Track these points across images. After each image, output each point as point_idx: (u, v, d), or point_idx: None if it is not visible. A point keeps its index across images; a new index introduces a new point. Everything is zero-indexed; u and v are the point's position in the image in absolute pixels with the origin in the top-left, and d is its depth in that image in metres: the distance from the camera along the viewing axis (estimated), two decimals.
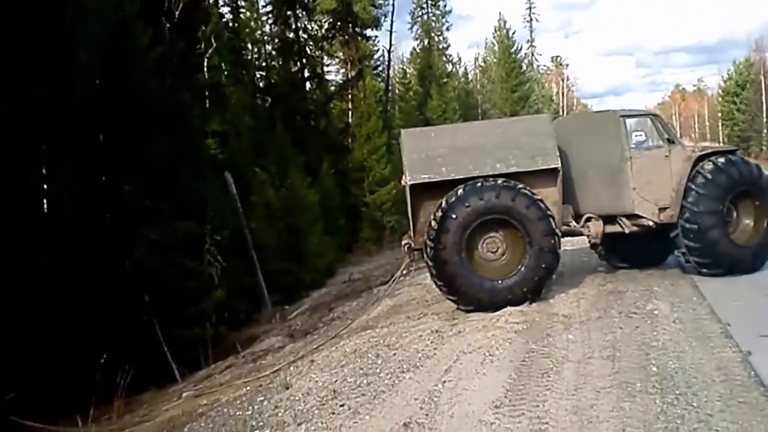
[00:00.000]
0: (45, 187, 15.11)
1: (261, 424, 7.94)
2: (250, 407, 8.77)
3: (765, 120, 64.62)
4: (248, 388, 10.42)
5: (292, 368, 10.63)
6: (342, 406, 7.78)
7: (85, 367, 12.56)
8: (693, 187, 12.06)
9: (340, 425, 7.18)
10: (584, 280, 12.74)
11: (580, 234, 12.51)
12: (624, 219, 12.49)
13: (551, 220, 11.25)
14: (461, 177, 11.33)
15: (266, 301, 23.00)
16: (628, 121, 12.64)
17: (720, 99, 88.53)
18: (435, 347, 9.50)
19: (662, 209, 12.28)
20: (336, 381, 8.81)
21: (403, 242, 12.94)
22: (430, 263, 11.37)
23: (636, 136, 12.51)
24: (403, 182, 11.87)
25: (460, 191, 11.16)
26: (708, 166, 12.18)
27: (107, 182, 16.84)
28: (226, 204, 21.77)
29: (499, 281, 11.24)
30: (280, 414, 8.11)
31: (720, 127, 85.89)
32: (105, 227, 16.26)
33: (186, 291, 17.00)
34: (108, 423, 11.27)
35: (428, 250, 11.26)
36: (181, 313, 16.82)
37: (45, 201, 15.02)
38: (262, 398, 9.04)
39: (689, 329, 9.07)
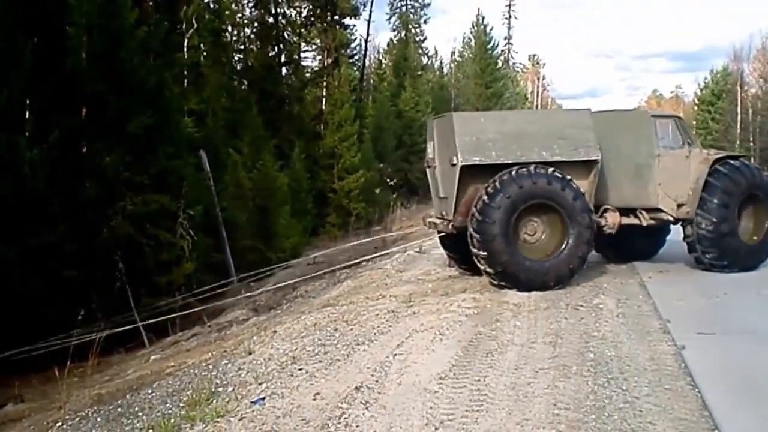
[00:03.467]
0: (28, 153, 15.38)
1: (225, 383, 8.28)
2: (215, 369, 9.13)
3: (738, 131, 65.07)
4: (213, 353, 10.72)
5: (255, 337, 10.97)
6: (300, 370, 8.23)
7: (62, 326, 13.04)
8: (710, 185, 12.82)
9: (298, 385, 7.62)
10: None
11: (598, 224, 12.81)
12: (644, 212, 13.14)
13: (590, 211, 11.96)
14: (509, 162, 11.85)
15: (233, 276, 23.23)
16: (658, 120, 13.31)
17: (696, 107, 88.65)
18: (390, 325, 9.98)
19: (680, 205, 13.01)
20: (296, 349, 9.23)
21: (431, 219, 13.71)
22: (476, 237, 11.70)
23: (663, 135, 13.15)
24: (446, 163, 12.38)
25: (513, 173, 11.66)
26: (725, 167, 12.99)
27: (88, 152, 17.25)
28: (199, 181, 21.92)
29: (537, 262, 11.82)
30: (242, 375, 8.50)
31: (694, 135, 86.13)
32: (84, 195, 16.63)
33: (158, 261, 17.39)
34: (82, 377, 11.68)
35: (475, 225, 11.67)
36: (153, 281, 17.25)
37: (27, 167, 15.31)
38: (226, 362, 9.39)
39: (630, 323, 9.56)
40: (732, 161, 13.29)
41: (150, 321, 16.04)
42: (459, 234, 12.32)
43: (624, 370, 7.50)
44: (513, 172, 11.69)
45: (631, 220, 13.23)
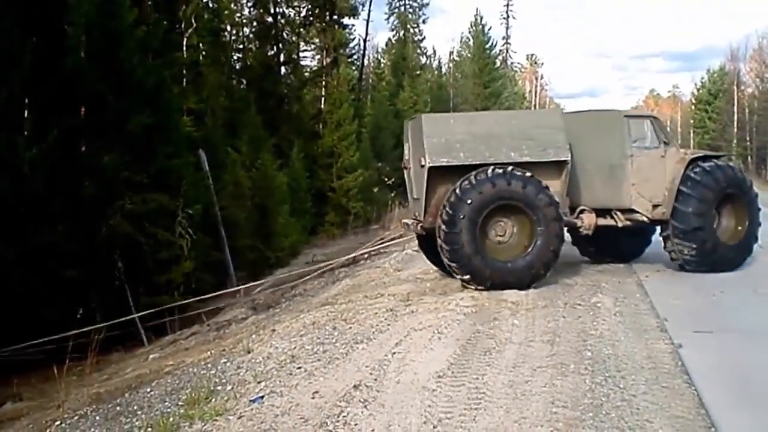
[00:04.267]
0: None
1: (224, 381, 8.28)
2: (214, 368, 9.12)
3: (735, 130, 65.17)
4: (212, 351, 10.71)
5: (254, 336, 10.97)
6: (299, 368, 8.21)
7: (61, 325, 13.04)
8: (686, 185, 12.69)
9: (296, 384, 7.61)
10: None
11: (573, 225, 12.91)
12: (619, 213, 13.02)
13: (559, 208, 11.80)
14: (477, 163, 11.77)
15: (232, 275, 23.20)
16: (631, 121, 13.21)
17: (693, 107, 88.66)
18: (388, 323, 9.97)
19: (656, 206, 12.94)
20: (294, 348, 9.21)
21: (406, 221, 13.62)
22: (443, 245, 11.67)
23: (637, 135, 13.06)
24: (417, 164, 12.32)
25: (480, 174, 11.58)
26: (701, 167, 12.87)
27: (87, 152, 17.26)
28: (198, 180, 21.94)
29: (508, 263, 11.74)
30: (241, 374, 8.49)
31: (692, 134, 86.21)
32: (83, 194, 16.63)
33: (157, 260, 17.39)
34: (81, 376, 11.68)
35: (443, 226, 11.61)
36: (152, 280, 17.25)
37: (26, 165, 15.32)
38: (225, 360, 9.39)
39: (628, 322, 9.59)
40: (709, 162, 13.20)
41: (147, 314, 16.00)
42: (432, 235, 12.23)
43: (621, 369, 7.50)
44: (472, 177, 11.62)
45: (608, 221, 13.13)
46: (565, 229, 12.44)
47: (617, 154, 12.99)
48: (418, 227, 12.68)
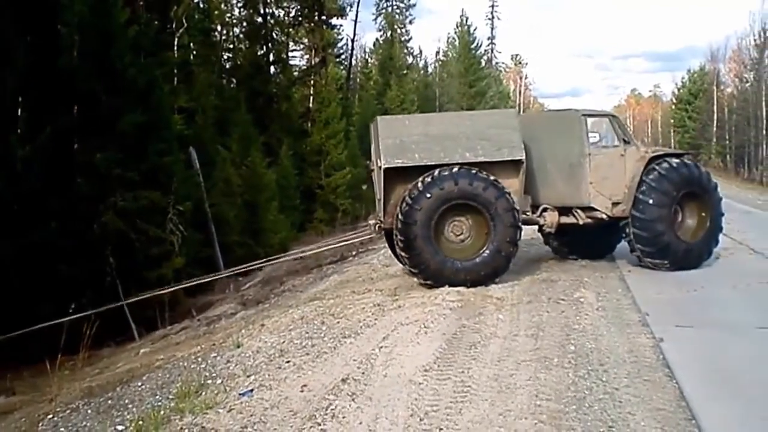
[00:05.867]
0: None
1: (214, 375, 8.30)
2: (204, 362, 9.14)
3: (715, 129, 65.50)
4: (202, 346, 10.73)
5: (243, 331, 10.96)
6: (288, 362, 8.24)
7: (54, 319, 12.99)
8: (645, 183, 12.63)
9: (285, 377, 7.64)
10: (521, 269, 13.07)
11: (536, 223, 12.94)
12: (579, 211, 12.99)
13: (515, 210, 11.71)
14: (433, 163, 11.71)
15: (221, 271, 23.17)
16: (589, 120, 13.12)
17: (673, 106, 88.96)
18: (376, 318, 9.99)
19: (615, 204, 12.86)
20: (283, 342, 9.24)
21: (371, 221, 13.54)
22: (399, 238, 11.64)
23: (595, 134, 13.03)
24: (376, 165, 12.27)
25: (434, 174, 11.52)
26: (660, 166, 12.79)
27: (80, 150, 17.19)
28: (189, 178, 21.89)
29: (461, 262, 11.65)
30: (231, 368, 8.53)
31: (672, 133, 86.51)
32: (76, 192, 16.58)
33: (148, 256, 17.34)
34: (73, 371, 11.64)
35: (399, 225, 11.58)
36: (143, 276, 17.17)
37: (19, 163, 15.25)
38: (215, 354, 9.41)
39: (610, 316, 9.61)
40: (669, 160, 13.09)
41: (138, 309, 15.93)
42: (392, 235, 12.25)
43: (604, 362, 7.53)
44: (433, 174, 11.59)
45: (570, 219, 13.10)
46: (534, 228, 12.59)
47: (576, 153, 12.91)
48: (377, 228, 12.71)
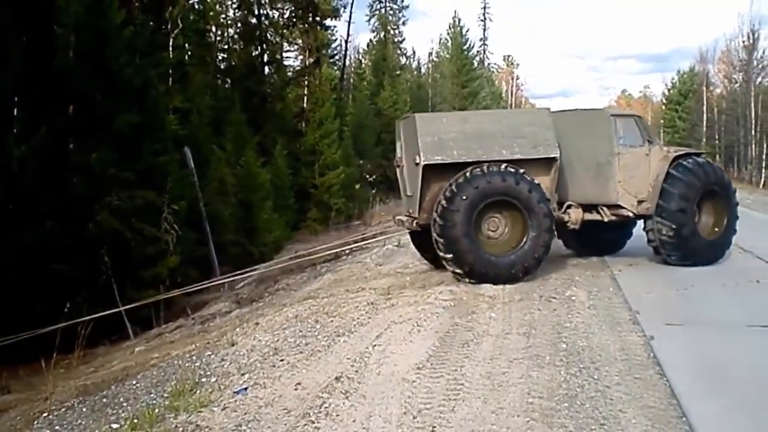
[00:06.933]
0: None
1: (209, 373, 8.29)
2: (198, 360, 9.12)
3: (704, 129, 65.58)
4: (197, 344, 10.69)
5: (238, 329, 10.94)
6: (282, 361, 8.23)
7: (49, 319, 12.93)
8: (672, 177, 12.85)
9: (279, 376, 7.63)
10: None
11: (561, 220, 13.01)
12: (605, 208, 13.18)
13: (549, 205, 11.94)
14: (470, 160, 11.87)
15: (216, 270, 23.05)
16: (618, 119, 13.32)
17: (663, 106, 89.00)
18: (369, 317, 10.00)
19: (640, 202, 13.04)
20: (277, 341, 9.24)
21: (398, 217, 13.75)
22: (438, 239, 11.76)
23: (623, 134, 13.17)
24: (407, 162, 12.56)
25: (472, 172, 11.69)
26: (687, 161, 13.07)
27: (76, 149, 17.15)
28: (184, 177, 21.79)
29: (502, 257, 11.82)
30: (225, 366, 8.52)
31: (662, 133, 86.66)
32: (71, 191, 16.54)
33: (143, 255, 17.27)
34: (68, 369, 11.58)
35: (437, 227, 11.72)
36: (138, 275, 17.14)
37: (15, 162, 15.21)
38: (209, 353, 9.38)
39: (601, 315, 9.64)
40: (691, 158, 13.34)
41: (132, 307, 15.87)
42: (426, 231, 12.30)
43: (595, 360, 7.55)
44: (468, 173, 11.73)
45: (594, 216, 13.28)
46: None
47: (605, 152, 13.07)
48: (414, 224, 12.71)
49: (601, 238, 14.42)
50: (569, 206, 13.10)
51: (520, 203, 11.78)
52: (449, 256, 11.77)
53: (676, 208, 12.81)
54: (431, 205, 12.00)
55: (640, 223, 13.75)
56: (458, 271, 11.86)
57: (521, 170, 11.82)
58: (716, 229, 13.40)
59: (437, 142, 11.98)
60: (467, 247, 11.61)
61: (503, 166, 11.79)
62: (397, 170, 13.74)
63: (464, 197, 11.55)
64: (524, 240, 11.88)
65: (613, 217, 13.23)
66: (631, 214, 13.16)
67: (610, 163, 13.03)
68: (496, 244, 12.06)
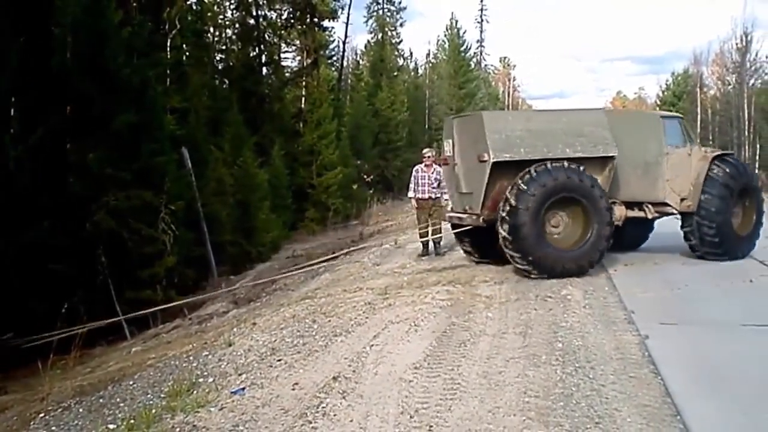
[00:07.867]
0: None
1: (206, 373, 8.25)
2: (195, 360, 9.08)
3: (699, 130, 65.76)
4: (194, 344, 10.65)
5: (235, 329, 10.91)
6: (279, 361, 8.22)
7: (46, 319, 12.89)
8: (710, 183, 13.39)
9: (277, 376, 7.62)
10: (508, 267, 13.04)
11: None
12: (650, 206, 13.58)
13: (608, 200, 12.32)
14: (537, 158, 12.10)
15: (213, 270, 23.06)
16: (666, 121, 13.82)
17: (658, 108, 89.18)
18: (366, 317, 10.01)
19: (683, 199, 13.56)
20: (275, 341, 9.23)
21: (449, 214, 14.03)
22: (506, 236, 11.97)
23: (670, 135, 13.62)
24: (463, 159, 12.86)
25: (536, 170, 11.98)
26: (725, 161, 13.66)
27: (73, 149, 17.11)
28: (181, 177, 21.71)
29: (569, 252, 12.14)
30: (222, 366, 8.49)
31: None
32: (69, 191, 16.50)
33: (141, 255, 17.22)
34: (64, 370, 11.54)
35: (504, 223, 11.94)
36: (135, 275, 17.09)
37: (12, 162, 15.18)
38: (207, 353, 9.34)
39: (597, 314, 9.70)
40: (728, 159, 13.90)
41: (129, 307, 15.83)
42: (483, 228, 12.58)
43: (590, 359, 7.58)
44: (533, 171, 11.96)
45: (637, 213, 13.68)
46: None
47: (655, 151, 13.52)
48: (480, 220, 12.78)
49: (627, 234, 14.60)
50: (613, 203, 13.24)
51: (584, 199, 12.07)
52: (517, 253, 12.01)
53: (717, 207, 13.31)
54: (494, 201, 12.24)
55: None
56: (526, 267, 12.10)
57: (581, 167, 12.11)
58: (747, 225, 13.94)
59: (504, 139, 12.21)
60: (536, 242, 11.89)
61: (564, 164, 12.04)
62: (445, 168, 14.01)
63: (532, 194, 11.78)
64: (588, 234, 12.19)
65: (656, 214, 13.77)
66: (675, 211, 13.67)
67: (659, 163, 13.51)
68: (559, 240, 12.34)
